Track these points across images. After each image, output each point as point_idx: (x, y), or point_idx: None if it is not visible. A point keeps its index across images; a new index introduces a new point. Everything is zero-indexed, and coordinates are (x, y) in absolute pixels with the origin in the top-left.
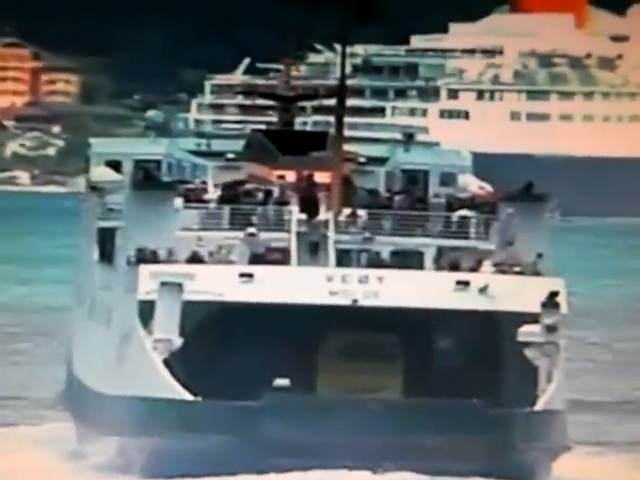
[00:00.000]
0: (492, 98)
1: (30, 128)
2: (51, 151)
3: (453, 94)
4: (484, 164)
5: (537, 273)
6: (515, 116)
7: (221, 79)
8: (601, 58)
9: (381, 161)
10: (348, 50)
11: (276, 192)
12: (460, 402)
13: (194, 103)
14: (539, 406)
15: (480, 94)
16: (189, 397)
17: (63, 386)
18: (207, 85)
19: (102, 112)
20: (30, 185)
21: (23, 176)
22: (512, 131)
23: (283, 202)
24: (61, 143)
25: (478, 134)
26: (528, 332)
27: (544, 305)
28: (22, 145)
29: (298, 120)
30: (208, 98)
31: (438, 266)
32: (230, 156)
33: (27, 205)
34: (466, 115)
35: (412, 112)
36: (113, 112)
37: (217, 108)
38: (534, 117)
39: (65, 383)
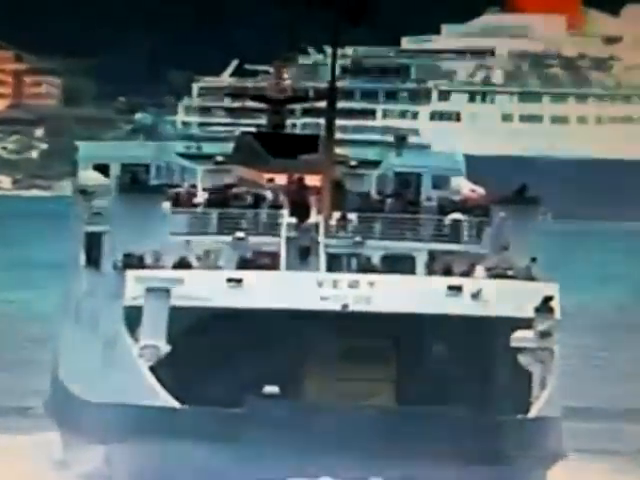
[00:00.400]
0: (484, 100)
1: (13, 131)
2: (34, 154)
3: (444, 96)
4: (476, 167)
5: (531, 277)
6: (507, 118)
7: (209, 81)
8: (594, 59)
9: (373, 164)
10: (338, 51)
11: (266, 196)
12: (452, 409)
13: (181, 106)
14: (532, 413)
15: (471, 96)
16: (176, 405)
17: (49, 393)
18: (194, 87)
19: (86, 115)
20: (12, 189)
21: (5, 180)
22: (504, 133)
23: (273, 206)
24: (44, 146)
25: (469, 136)
26: (521, 338)
27: (538, 310)
28: (4, 148)
29: (287, 122)
30: (196, 100)
31: (430, 271)
32: (219, 159)
33: (9, 210)
34: (457, 117)
35: (403, 114)
36: (98, 115)
37: (205, 111)
38: (526, 119)
39: (50, 390)
